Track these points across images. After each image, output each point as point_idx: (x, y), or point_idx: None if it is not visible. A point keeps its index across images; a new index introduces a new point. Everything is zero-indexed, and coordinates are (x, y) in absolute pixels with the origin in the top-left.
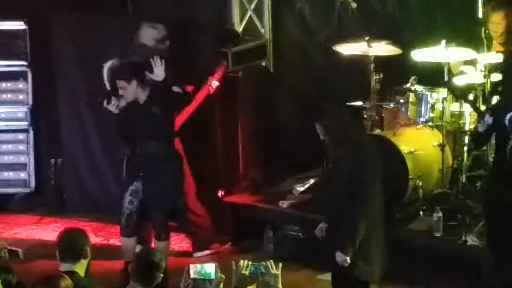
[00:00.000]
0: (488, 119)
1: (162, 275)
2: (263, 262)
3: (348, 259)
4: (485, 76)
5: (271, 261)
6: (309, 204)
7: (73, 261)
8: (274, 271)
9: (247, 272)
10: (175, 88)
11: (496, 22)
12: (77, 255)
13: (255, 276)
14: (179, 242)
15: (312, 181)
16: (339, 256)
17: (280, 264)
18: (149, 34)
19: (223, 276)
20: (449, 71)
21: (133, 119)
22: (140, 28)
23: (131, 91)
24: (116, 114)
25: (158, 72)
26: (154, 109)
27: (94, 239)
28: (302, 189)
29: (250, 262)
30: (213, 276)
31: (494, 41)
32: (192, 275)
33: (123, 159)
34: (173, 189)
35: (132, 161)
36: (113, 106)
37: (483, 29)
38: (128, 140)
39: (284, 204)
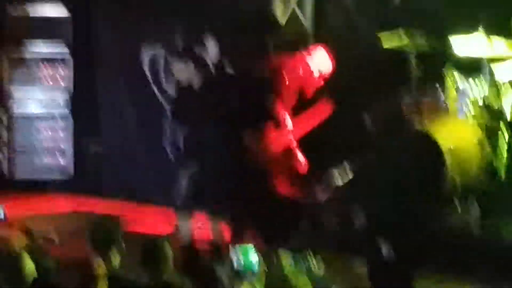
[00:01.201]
0: None
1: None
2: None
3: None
4: None
5: (313, 259)
6: (347, 196)
7: (107, 250)
8: (316, 270)
9: (288, 264)
10: (229, 70)
11: None
12: (109, 246)
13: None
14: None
15: (350, 173)
16: (385, 250)
17: (318, 256)
18: None
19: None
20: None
21: (188, 103)
22: None
23: (187, 73)
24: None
25: (212, 53)
26: (209, 94)
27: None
28: (341, 181)
29: (289, 254)
30: (256, 268)
31: None
32: (235, 267)
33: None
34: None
35: (185, 147)
36: None
37: None
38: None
39: (322, 196)
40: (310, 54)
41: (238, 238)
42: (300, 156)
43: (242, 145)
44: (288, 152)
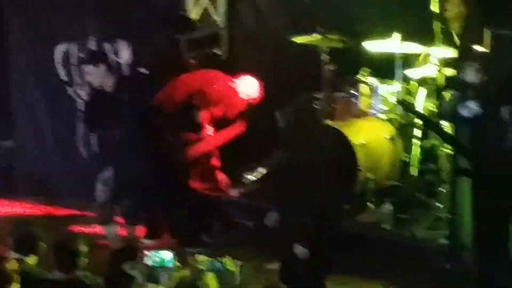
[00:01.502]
0: (474, 106)
1: (85, 259)
2: (218, 258)
3: (307, 251)
4: (439, 71)
5: (230, 258)
6: (259, 193)
7: (26, 254)
8: (231, 268)
9: (204, 268)
10: (142, 70)
11: (451, 2)
12: (30, 250)
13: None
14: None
15: (263, 170)
16: (299, 249)
17: (240, 263)
18: None
19: (188, 272)
20: (403, 63)
21: (101, 106)
22: None
23: (98, 76)
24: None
25: (124, 55)
26: (120, 96)
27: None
28: (253, 178)
29: (207, 258)
30: (170, 264)
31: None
32: (149, 263)
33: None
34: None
35: (99, 149)
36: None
37: (438, 23)
38: (93, 128)
39: (235, 192)
40: (239, 79)
41: (153, 239)
42: (216, 156)
43: (158, 147)
44: (205, 155)
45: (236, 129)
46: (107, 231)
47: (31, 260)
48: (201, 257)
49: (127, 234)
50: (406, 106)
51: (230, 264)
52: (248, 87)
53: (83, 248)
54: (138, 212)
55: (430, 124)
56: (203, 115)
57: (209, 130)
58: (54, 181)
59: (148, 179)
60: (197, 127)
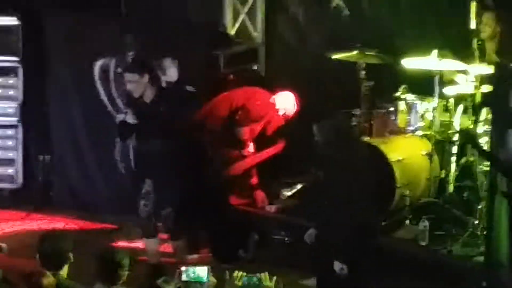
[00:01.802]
0: None
1: (126, 272)
2: (257, 274)
3: (346, 268)
4: (475, 87)
5: (266, 273)
6: (296, 209)
7: (56, 269)
8: (268, 283)
9: (240, 283)
10: (189, 88)
11: (485, 23)
12: (60, 264)
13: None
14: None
15: (299, 186)
16: (337, 266)
17: (275, 278)
18: None
19: (215, 280)
20: (441, 80)
21: (138, 118)
22: None
23: (141, 86)
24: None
25: (172, 73)
26: (161, 109)
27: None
28: (289, 193)
29: (244, 273)
30: (204, 279)
31: (486, 52)
32: (184, 278)
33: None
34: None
35: (136, 162)
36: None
37: (475, 40)
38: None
39: (271, 208)
40: (277, 95)
41: (192, 254)
42: (255, 173)
43: (198, 163)
44: (246, 172)
45: (277, 147)
46: (147, 246)
47: (64, 272)
48: (238, 273)
49: (173, 250)
50: (469, 137)
51: (266, 279)
52: (286, 102)
53: (126, 261)
54: (180, 227)
55: (490, 158)
56: (245, 132)
57: (251, 147)
58: (93, 195)
59: (189, 194)
60: (240, 144)
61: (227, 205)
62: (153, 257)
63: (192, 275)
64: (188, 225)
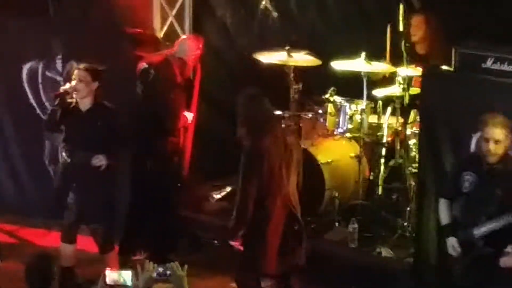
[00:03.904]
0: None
1: (54, 279)
2: (168, 264)
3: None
4: (403, 89)
5: (177, 263)
6: (226, 212)
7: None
8: (180, 272)
9: (154, 274)
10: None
11: (415, 25)
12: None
13: (163, 278)
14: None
15: (228, 189)
16: None
17: (186, 266)
18: None
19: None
20: (369, 82)
21: (71, 126)
22: None
23: (89, 89)
24: (53, 106)
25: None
26: (99, 122)
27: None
28: (218, 196)
29: (155, 264)
30: (129, 283)
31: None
32: (108, 282)
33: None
34: (107, 201)
35: (65, 170)
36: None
37: (403, 42)
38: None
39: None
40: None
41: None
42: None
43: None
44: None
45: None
46: (63, 251)
47: None
48: (151, 264)
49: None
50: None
51: (178, 268)
52: (185, 47)
53: (54, 268)
54: (109, 241)
55: None
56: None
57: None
58: (21, 199)
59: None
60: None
61: (157, 208)
62: (67, 261)
63: (116, 278)
64: (120, 229)
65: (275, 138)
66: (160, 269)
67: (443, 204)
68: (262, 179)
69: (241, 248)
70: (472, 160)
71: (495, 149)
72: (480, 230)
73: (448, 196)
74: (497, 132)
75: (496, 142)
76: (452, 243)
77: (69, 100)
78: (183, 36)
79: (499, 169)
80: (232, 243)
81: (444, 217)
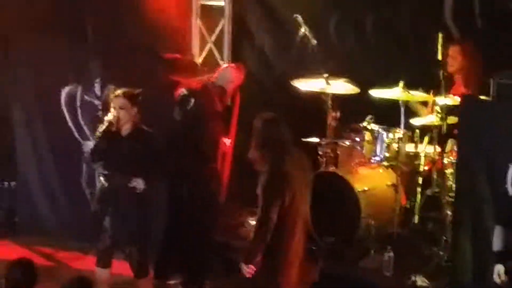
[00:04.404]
0: None
1: None
2: None
3: None
4: (441, 119)
5: None
6: None
7: None
8: None
9: None
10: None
11: (452, 56)
12: None
13: None
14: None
15: None
16: None
17: None
18: None
19: None
20: (407, 110)
21: (110, 150)
22: None
23: (129, 116)
24: (97, 139)
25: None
26: (138, 146)
27: (45, 263)
28: (254, 222)
29: None
30: None
31: (453, 83)
32: None
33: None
34: (143, 225)
35: (102, 194)
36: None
37: (441, 71)
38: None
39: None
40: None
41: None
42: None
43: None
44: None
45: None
46: (98, 275)
47: None
48: None
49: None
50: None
51: None
52: (226, 75)
53: None
54: (144, 265)
55: None
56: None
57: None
58: (58, 222)
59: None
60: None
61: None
62: (102, 285)
63: None
64: (155, 253)
65: (294, 161)
66: None
67: (497, 230)
68: (283, 203)
69: (250, 275)
70: None
71: None
72: None
73: (504, 223)
74: None
75: None
76: (498, 270)
77: (112, 130)
78: (225, 65)
79: None
80: (246, 267)
81: (497, 243)
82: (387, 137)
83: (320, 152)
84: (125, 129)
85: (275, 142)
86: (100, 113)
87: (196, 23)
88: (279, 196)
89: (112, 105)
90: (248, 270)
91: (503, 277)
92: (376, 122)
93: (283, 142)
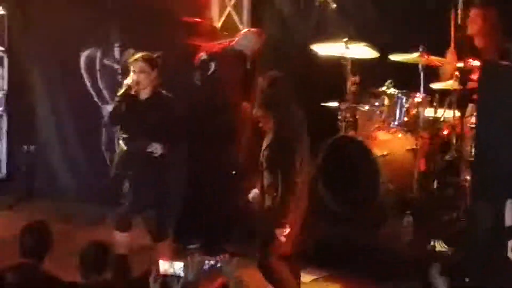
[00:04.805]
0: None
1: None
2: (219, 256)
3: None
4: (461, 83)
5: (228, 255)
6: None
7: (38, 260)
8: (231, 264)
9: (205, 266)
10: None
11: (472, 19)
12: (41, 255)
13: (214, 270)
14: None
15: None
16: None
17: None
18: None
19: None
20: (426, 75)
21: (130, 114)
22: None
23: (149, 80)
24: (116, 102)
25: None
26: (157, 111)
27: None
28: None
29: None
30: (181, 274)
31: (474, 47)
32: (162, 271)
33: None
34: (162, 190)
35: (121, 158)
36: None
37: (461, 35)
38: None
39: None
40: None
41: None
42: None
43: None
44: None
45: None
46: (118, 239)
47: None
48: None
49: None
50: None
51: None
52: (246, 40)
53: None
54: (163, 230)
55: None
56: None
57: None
58: (77, 186)
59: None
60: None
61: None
62: (121, 249)
63: (169, 269)
64: (175, 226)
65: (300, 122)
66: (212, 262)
67: (509, 205)
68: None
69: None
70: None
71: None
72: None
73: None
74: None
75: None
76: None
77: (131, 93)
78: (245, 29)
79: None
80: (280, 232)
81: (508, 218)
82: (407, 101)
83: (339, 117)
84: (145, 93)
85: (279, 102)
86: (119, 77)
87: None
88: (292, 157)
89: (131, 68)
90: (284, 233)
91: None
92: (395, 87)
93: (287, 102)
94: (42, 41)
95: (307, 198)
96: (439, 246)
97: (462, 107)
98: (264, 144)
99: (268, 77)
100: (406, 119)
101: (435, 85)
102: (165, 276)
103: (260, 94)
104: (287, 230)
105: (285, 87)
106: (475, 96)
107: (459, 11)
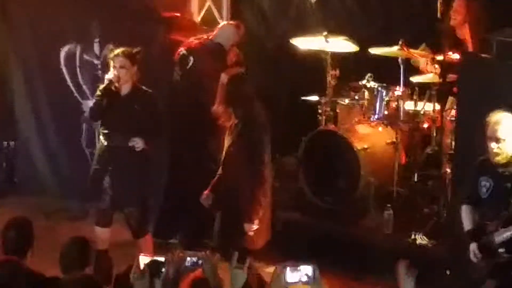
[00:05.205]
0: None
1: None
2: (201, 253)
3: None
4: (441, 76)
5: (209, 251)
6: None
7: (20, 255)
8: (212, 260)
9: (186, 263)
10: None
11: (455, 9)
12: (23, 250)
13: (195, 266)
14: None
15: None
16: None
17: (218, 255)
18: None
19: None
20: (406, 68)
21: (110, 110)
22: None
23: (129, 75)
24: (97, 97)
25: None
26: (137, 106)
27: (44, 223)
28: None
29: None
30: (163, 269)
31: (454, 39)
32: (142, 267)
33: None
34: (142, 185)
35: (102, 154)
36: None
37: (441, 27)
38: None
39: None
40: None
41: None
42: None
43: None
44: None
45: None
46: (98, 234)
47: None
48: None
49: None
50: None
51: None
52: (226, 33)
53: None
54: (143, 226)
55: None
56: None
57: None
58: (58, 181)
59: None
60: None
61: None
62: (101, 244)
63: (152, 264)
64: (156, 221)
65: (261, 117)
66: (194, 259)
67: (465, 210)
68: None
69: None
70: (486, 164)
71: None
72: (501, 237)
73: (470, 202)
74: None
75: (498, 141)
76: (473, 249)
77: (113, 88)
78: (223, 22)
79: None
80: (249, 226)
81: (466, 223)
82: (387, 95)
83: (319, 111)
84: (125, 88)
85: (239, 99)
86: (99, 72)
87: None
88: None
89: (112, 64)
90: (253, 229)
91: (478, 254)
92: (375, 80)
93: (247, 98)
94: (22, 36)
95: (270, 193)
96: (420, 239)
97: (442, 100)
98: (227, 142)
99: (228, 73)
100: (386, 112)
101: (415, 79)
102: (146, 271)
103: (221, 91)
104: (256, 226)
105: (246, 84)
106: (455, 89)
107: (438, 3)
